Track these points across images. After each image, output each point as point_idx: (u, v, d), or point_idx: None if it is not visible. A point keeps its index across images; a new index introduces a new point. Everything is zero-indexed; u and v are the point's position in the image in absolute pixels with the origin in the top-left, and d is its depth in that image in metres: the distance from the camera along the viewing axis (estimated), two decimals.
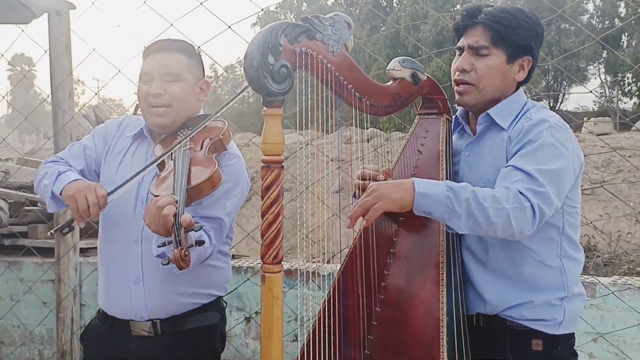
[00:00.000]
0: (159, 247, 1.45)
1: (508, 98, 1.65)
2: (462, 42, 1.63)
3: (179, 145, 1.61)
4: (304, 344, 1.49)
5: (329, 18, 1.36)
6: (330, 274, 2.67)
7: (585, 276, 2.43)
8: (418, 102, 1.82)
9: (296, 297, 2.79)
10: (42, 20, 3.20)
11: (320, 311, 1.55)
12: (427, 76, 1.69)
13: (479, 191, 1.38)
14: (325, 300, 1.57)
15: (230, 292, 2.91)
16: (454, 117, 1.81)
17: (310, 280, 2.81)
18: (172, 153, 1.61)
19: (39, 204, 3.68)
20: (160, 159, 1.63)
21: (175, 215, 1.38)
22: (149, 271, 1.73)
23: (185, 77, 1.75)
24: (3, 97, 3.29)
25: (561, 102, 28.74)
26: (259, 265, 2.97)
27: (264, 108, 1.25)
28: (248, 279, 2.91)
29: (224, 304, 1.97)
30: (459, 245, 1.64)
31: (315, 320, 1.53)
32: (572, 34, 24.65)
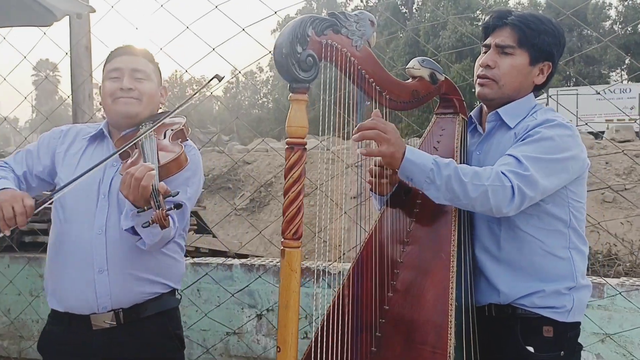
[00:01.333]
0: (138, 212, 1.52)
1: (519, 100, 1.73)
2: (489, 40, 1.71)
3: (142, 136, 1.69)
4: (319, 325, 1.56)
5: (354, 15, 1.45)
6: (340, 272, 2.73)
7: (593, 277, 2.47)
8: (435, 103, 1.90)
9: (306, 295, 2.84)
10: (63, 24, 3.29)
11: (335, 295, 1.62)
12: (445, 77, 1.76)
13: (461, 167, 1.49)
14: (341, 286, 1.64)
15: (241, 290, 2.99)
16: (469, 116, 1.88)
17: (321, 278, 2.87)
18: (135, 143, 1.69)
19: None
20: (120, 150, 1.68)
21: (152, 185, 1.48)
22: (113, 260, 1.77)
23: (152, 78, 1.89)
24: (25, 98, 3.37)
25: None
26: (271, 263, 3.04)
27: (291, 94, 1.34)
28: (259, 277, 2.98)
29: (180, 296, 2.02)
30: (470, 239, 1.71)
31: (331, 304, 1.60)
32: (594, 40, 24.55)
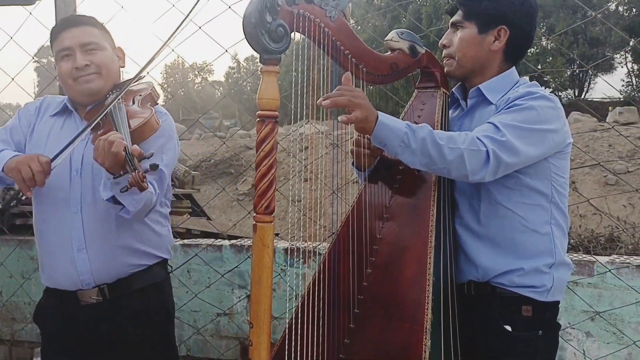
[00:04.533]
0: (115, 178, 1.50)
1: (501, 75, 1.71)
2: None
3: (112, 104, 1.64)
4: (299, 303, 1.54)
5: None
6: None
7: (583, 255, 2.45)
8: (417, 78, 1.86)
9: (297, 275, 2.83)
10: (50, 4, 3.23)
11: (313, 276, 1.60)
12: (426, 49, 1.73)
13: (436, 132, 1.48)
14: (320, 263, 1.61)
15: (231, 270, 2.98)
16: (451, 92, 1.85)
17: (309, 259, 2.85)
18: (105, 114, 1.64)
19: None
20: (97, 119, 1.62)
21: (125, 149, 1.44)
22: (91, 237, 1.76)
23: (104, 46, 1.80)
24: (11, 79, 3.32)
25: (586, 92, 28.08)
26: None
27: (261, 65, 1.30)
28: (249, 257, 2.96)
29: (170, 267, 1.99)
30: (451, 215, 1.68)
31: (309, 284, 1.58)
32: (599, 22, 24.15)
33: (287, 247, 2.91)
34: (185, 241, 3.20)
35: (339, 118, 1.46)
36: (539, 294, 1.61)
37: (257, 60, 1.33)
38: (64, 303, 1.83)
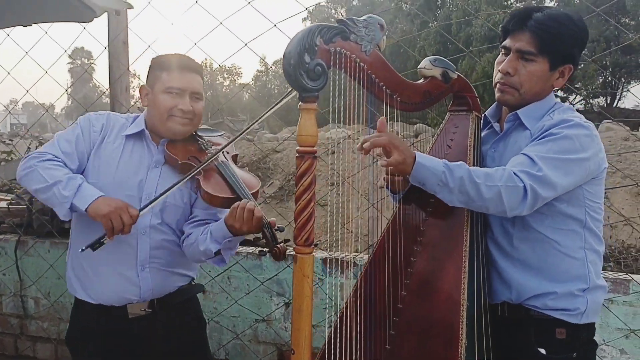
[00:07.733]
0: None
1: (539, 101, 1.72)
2: (508, 42, 1.69)
3: (215, 155, 1.85)
4: (334, 323, 1.61)
5: (362, 20, 1.46)
6: (362, 265, 2.77)
7: (619, 273, 2.45)
8: (449, 100, 1.90)
9: (333, 285, 2.90)
10: (101, 19, 3.39)
11: (350, 294, 1.66)
12: (458, 75, 1.76)
13: (474, 169, 1.51)
14: (355, 284, 1.68)
15: (270, 279, 3.06)
16: (483, 115, 1.88)
17: (346, 269, 2.91)
18: (195, 160, 1.86)
19: None
20: (196, 171, 1.79)
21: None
22: (155, 257, 1.90)
23: (203, 97, 1.96)
24: (66, 90, 3.48)
25: (619, 100, 27.47)
26: None
27: (300, 103, 1.36)
28: (287, 266, 3.04)
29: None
30: (484, 237, 1.72)
31: (346, 302, 1.65)
32: (633, 29, 23.42)
33: (325, 257, 2.98)
34: None
35: (379, 163, 1.52)
36: (572, 316, 1.63)
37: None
38: (109, 317, 1.90)
